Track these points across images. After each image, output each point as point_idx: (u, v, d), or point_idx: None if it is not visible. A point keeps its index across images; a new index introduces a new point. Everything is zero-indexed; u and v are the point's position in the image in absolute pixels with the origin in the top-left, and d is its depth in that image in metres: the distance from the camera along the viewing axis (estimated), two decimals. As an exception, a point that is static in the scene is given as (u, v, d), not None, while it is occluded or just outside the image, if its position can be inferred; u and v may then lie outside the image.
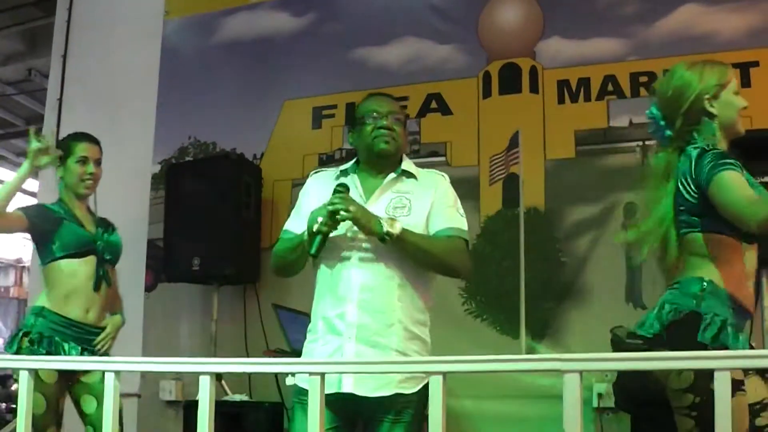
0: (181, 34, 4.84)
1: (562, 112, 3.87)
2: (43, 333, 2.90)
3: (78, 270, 2.96)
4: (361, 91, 4.15)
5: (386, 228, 2.20)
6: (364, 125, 2.39)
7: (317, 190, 2.40)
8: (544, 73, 3.94)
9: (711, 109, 2.14)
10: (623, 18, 3.86)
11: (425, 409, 2.32)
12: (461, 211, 2.39)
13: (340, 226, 2.23)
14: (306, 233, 2.25)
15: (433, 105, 4.15)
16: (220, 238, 3.99)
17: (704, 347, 1.94)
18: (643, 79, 3.73)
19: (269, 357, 3.88)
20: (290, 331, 4.07)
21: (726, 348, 1.94)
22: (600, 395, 3.38)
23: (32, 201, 3.85)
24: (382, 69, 4.28)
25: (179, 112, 4.67)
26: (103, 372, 1.67)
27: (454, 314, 3.82)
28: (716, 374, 1.23)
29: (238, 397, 3.81)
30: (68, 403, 2.99)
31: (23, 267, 14.62)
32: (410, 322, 2.28)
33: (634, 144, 3.69)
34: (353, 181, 2.38)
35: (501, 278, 3.81)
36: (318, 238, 2.20)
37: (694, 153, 2.07)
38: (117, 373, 1.63)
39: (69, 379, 2.94)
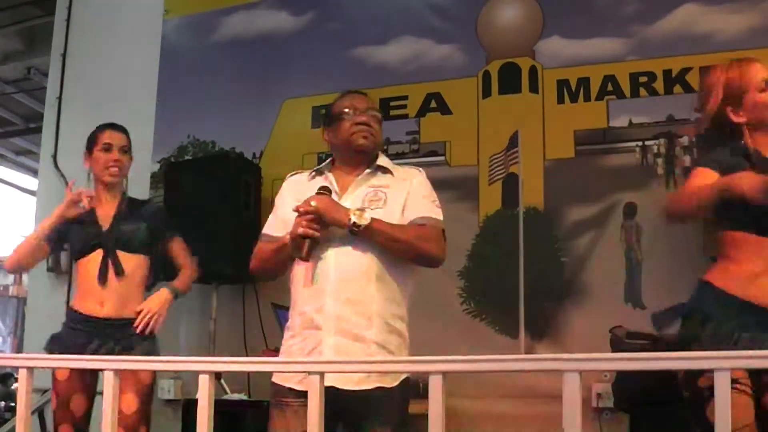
0: (180, 33, 4.83)
1: (561, 112, 3.87)
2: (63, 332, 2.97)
3: (88, 266, 2.98)
4: (361, 90, 4.20)
5: (353, 219, 2.20)
6: (342, 121, 2.39)
7: (292, 193, 2.41)
8: (543, 73, 3.94)
9: None
10: (623, 18, 3.85)
11: (407, 404, 2.32)
12: (437, 202, 2.39)
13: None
14: (289, 236, 2.24)
15: (433, 104, 4.15)
16: (219, 237, 3.98)
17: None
18: (643, 79, 3.73)
19: (268, 356, 3.87)
20: (289, 331, 4.06)
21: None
22: (599, 395, 3.38)
23: (31, 199, 3.86)
24: (382, 68, 4.28)
25: (178, 111, 4.66)
26: (102, 371, 1.67)
27: (453, 314, 3.82)
28: (716, 374, 1.23)
29: (237, 396, 3.81)
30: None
31: (22, 265, 14.58)
32: (389, 315, 2.27)
33: (633, 144, 3.69)
34: (329, 180, 2.39)
35: (500, 278, 3.81)
36: (308, 242, 2.20)
37: None
38: (116, 372, 1.63)
39: (85, 378, 2.92)
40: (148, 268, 3.08)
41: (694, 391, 1.93)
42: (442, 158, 4.06)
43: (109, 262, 2.96)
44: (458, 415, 3.47)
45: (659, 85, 3.70)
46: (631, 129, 3.73)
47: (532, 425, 3.42)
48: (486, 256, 3.87)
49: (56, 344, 2.94)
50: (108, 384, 1.60)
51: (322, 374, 1.49)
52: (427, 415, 1.36)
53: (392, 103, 4.17)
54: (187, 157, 4.58)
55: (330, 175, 2.41)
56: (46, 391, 4.45)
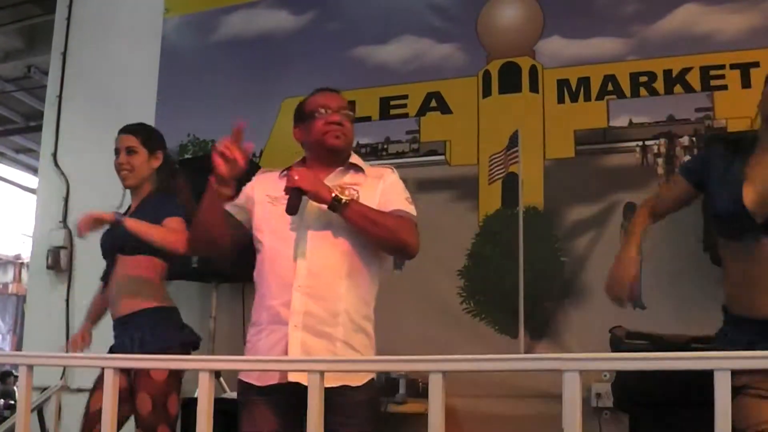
0: (180, 32, 4.84)
1: (561, 112, 3.87)
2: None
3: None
4: (362, 89, 4.20)
5: (335, 193, 2.18)
6: (314, 120, 2.38)
7: (262, 189, 2.44)
8: (543, 73, 3.94)
9: None
10: (623, 18, 3.86)
11: (375, 404, 2.30)
12: (410, 200, 2.36)
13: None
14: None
15: (433, 104, 4.15)
16: (219, 235, 3.98)
17: None
18: (643, 79, 3.73)
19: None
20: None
21: None
22: (598, 395, 3.38)
23: (31, 197, 3.86)
24: (382, 68, 4.27)
25: (179, 110, 4.66)
26: (103, 369, 1.67)
27: (453, 313, 3.82)
28: (716, 374, 1.23)
29: (236, 395, 3.80)
30: None
31: (22, 263, 14.60)
32: (356, 313, 2.24)
33: (633, 144, 3.69)
34: None
35: (500, 277, 3.81)
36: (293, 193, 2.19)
37: None
38: (116, 370, 1.63)
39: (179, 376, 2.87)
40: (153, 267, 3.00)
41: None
42: (442, 158, 4.06)
43: (108, 265, 2.99)
44: (458, 414, 3.47)
45: (659, 84, 3.71)
46: (631, 129, 3.73)
47: (532, 425, 3.42)
48: (486, 255, 3.87)
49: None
50: (108, 381, 1.61)
51: (322, 373, 1.49)
52: (426, 414, 1.37)
53: (392, 103, 4.17)
54: (187, 156, 4.58)
55: None
56: (45, 388, 4.47)
